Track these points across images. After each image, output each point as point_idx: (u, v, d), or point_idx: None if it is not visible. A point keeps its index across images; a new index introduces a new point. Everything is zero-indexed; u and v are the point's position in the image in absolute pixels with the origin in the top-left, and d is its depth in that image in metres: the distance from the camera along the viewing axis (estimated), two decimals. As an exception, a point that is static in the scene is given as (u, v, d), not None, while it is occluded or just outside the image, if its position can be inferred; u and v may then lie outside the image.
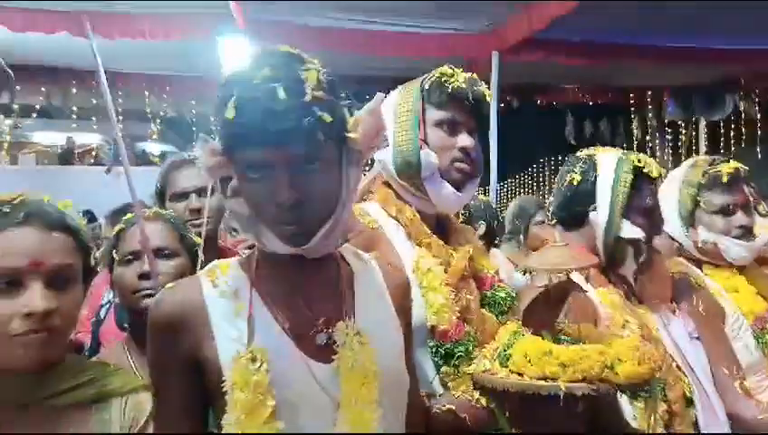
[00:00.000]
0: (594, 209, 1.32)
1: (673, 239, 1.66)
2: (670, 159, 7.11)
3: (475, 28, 4.76)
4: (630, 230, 1.29)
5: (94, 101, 5.60)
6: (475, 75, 1.20)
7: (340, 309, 0.85)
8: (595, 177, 1.34)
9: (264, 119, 0.74)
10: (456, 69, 1.21)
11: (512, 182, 9.47)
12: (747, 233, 1.56)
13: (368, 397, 0.79)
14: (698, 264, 1.63)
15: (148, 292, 1.25)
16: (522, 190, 9.12)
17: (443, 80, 1.17)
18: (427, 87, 1.19)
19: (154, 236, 1.30)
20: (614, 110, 6.76)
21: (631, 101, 6.54)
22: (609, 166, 1.34)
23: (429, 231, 1.17)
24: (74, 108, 6.13)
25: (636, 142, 7.09)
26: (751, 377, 1.46)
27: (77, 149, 8.61)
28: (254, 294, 0.84)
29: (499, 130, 4.79)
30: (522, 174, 9.24)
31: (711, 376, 1.42)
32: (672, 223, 1.60)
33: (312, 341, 0.82)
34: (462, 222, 2.79)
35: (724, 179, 1.55)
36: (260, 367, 0.77)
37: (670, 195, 1.63)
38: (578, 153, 1.45)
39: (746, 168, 1.64)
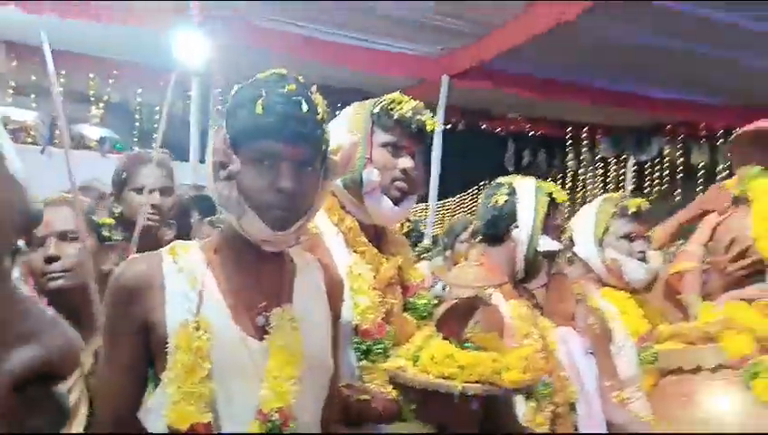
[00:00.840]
0: (517, 227, 1.51)
1: (583, 262, 1.90)
2: (599, 192, 7.56)
3: (429, 51, 4.97)
4: (549, 244, 1.49)
5: (34, 78, 5.44)
6: (421, 104, 1.34)
7: (280, 297, 0.98)
8: (516, 199, 1.54)
9: (288, 121, 0.92)
10: (404, 97, 1.35)
11: (452, 202, 9.75)
12: (644, 259, 1.83)
13: (290, 374, 0.92)
14: (598, 286, 1.86)
15: (54, 275, 1.31)
16: (461, 210, 9.42)
17: (391, 106, 1.31)
18: (376, 111, 1.32)
19: (59, 219, 1.35)
20: (552, 142, 7.14)
21: (568, 135, 6.94)
22: (528, 191, 1.55)
23: (366, 240, 1.29)
24: (12, 83, 5.91)
25: (570, 173, 7.51)
26: (628, 389, 1.69)
27: (11, 125, 8.23)
28: (209, 273, 0.96)
29: (444, 151, 5.02)
30: (463, 194, 9.54)
31: (595, 385, 1.63)
32: (586, 246, 1.86)
33: (252, 320, 0.95)
34: (405, 232, 2.94)
35: (631, 211, 1.83)
36: (202, 335, 0.89)
37: (586, 223, 1.88)
38: (497, 180, 1.65)
39: (648, 205, 1.92)
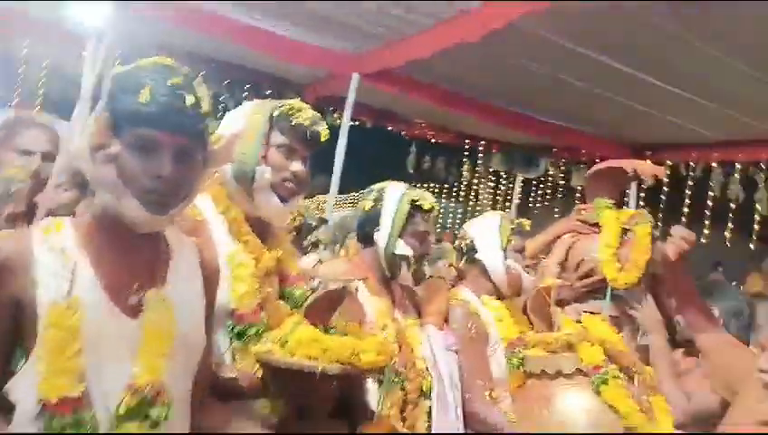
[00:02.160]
0: (378, 230, 1.68)
1: (480, 268, 2.13)
2: (490, 203, 8.06)
3: (342, 47, 5.07)
4: (402, 248, 1.66)
5: None
6: (318, 115, 1.45)
7: (155, 278, 1.04)
8: (381, 205, 1.71)
9: (172, 113, 0.97)
10: (303, 105, 1.45)
11: (355, 196, 9.92)
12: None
13: (162, 351, 0.99)
14: (478, 294, 2.09)
15: None
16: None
17: (290, 112, 1.41)
18: (276, 114, 1.42)
19: None
20: (451, 150, 7.50)
21: (466, 146, 7.33)
22: (393, 198, 1.73)
23: (249, 231, 1.39)
24: None
25: (464, 183, 7.94)
26: (498, 389, 1.90)
27: None
28: (83, 252, 0.99)
29: (350, 146, 5.16)
30: (363, 191, 9.72)
31: (457, 382, 1.82)
32: (491, 254, 2.10)
33: (126, 300, 1.00)
34: (297, 226, 3.03)
35: (527, 229, 2.16)
36: (74, 314, 0.93)
37: (491, 235, 2.13)
38: (372, 186, 1.83)
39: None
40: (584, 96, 5.10)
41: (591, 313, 2.11)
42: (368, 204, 1.73)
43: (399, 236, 1.69)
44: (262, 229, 1.44)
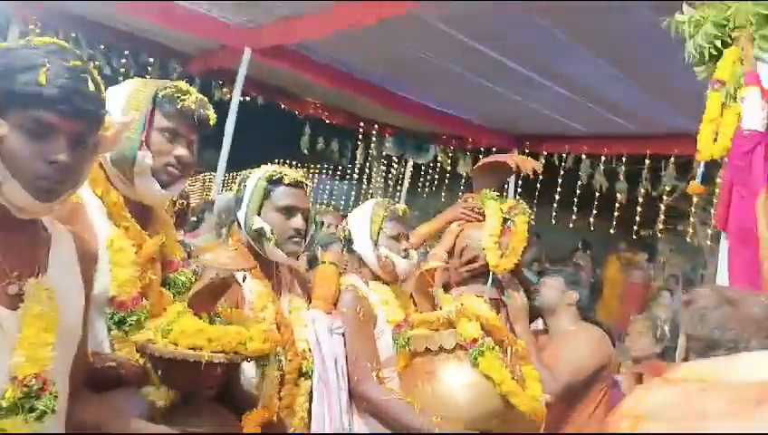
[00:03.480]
0: (240, 210, 1.69)
1: (358, 257, 2.13)
2: (381, 186, 8.21)
3: (237, 21, 4.88)
4: (258, 222, 1.67)
5: None
6: (205, 99, 1.40)
7: (34, 266, 0.98)
8: (244, 187, 1.71)
9: (74, 97, 0.92)
10: (190, 88, 1.39)
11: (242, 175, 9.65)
12: (407, 256, 2.13)
13: (46, 341, 0.94)
14: (366, 279, 2.11)
15: None
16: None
17: (176, 96, 1.35)
18: (160, 96, 1.35)
19: None
20: (346, 133, 7.53)
21: (360, 129, 7.39)
22: (253, 177, 1.74)
23: (129, 216, 1.32)
24: None
25: (357, 166, 8.01)
26: (385, 369, 1.95)
27: None
28: None
29: (241, 122, 5.00)
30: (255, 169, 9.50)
31: (343, 365, 1.87)
32: (363, 244, 2.09)
33: (5, 290, 0.94)
34: (180, 209, 2.91)
35: (399, 215, 2.13)
36: None
37: (362, 224, 2.12)
38: (241, 172, 1.83)
39: (409, 211, 2.23)
40: (472, 88, 5.33)
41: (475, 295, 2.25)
42: (235, 190, 1.75)
43: (258, 214, 1.69)
44: (143, 214, 1.38)
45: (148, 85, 1.37)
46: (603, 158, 6.42)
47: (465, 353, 1.80)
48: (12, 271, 0.96)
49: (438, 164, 7.79)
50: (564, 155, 6.69)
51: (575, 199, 6.71)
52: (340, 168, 8.35)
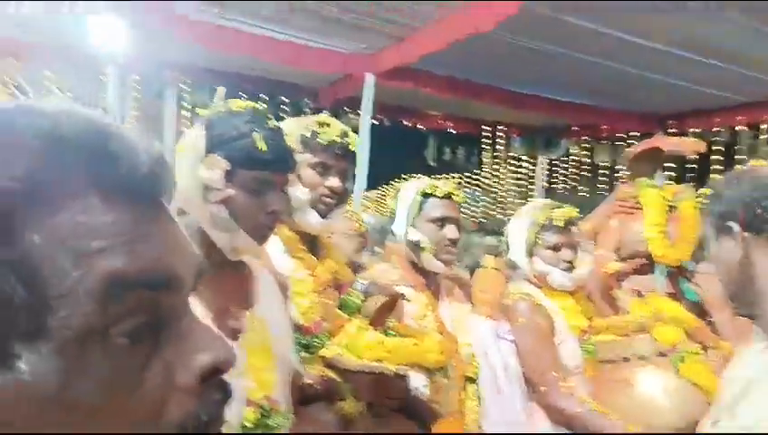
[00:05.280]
0: (396, 225, 1.78)
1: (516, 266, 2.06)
2: (513, 187, 8.03)
3: (353, 49, 5.11)
4: (414, 234, 1.71)
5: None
6: (346, 127, 1.49)
7: (247, 302, 1.12)
8: (397, 202, 1.81)
9: (281, 154, 1.09)
10: (330, 119, 1.50)
11: (377, 193, 9.97)
12: (571, 266, 1.98)
13: (267, 366, 1.06)
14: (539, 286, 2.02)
15: None
16: (384, 202, 9.64)
17: (319, 130, 1.46)
18: (304, 134, 1.46)
19: None
20: (470, 139, 7.50)
21: (485, 133, 7.32)
22: (406, 191, 1.78)
23: (302, 247, 1.44)
24: None
25: (487, 170, 7.93)
26: (571, 378, 1.84)
27: None
28: None
29: (371, 145, 5.20)
30: (387, 187, 9.77)
31: (516, 373, 1.84)
32: (517, 252, 2.01)
33: (226, 324, 1.08)
34: (362, 232, 3.09)
35: (560, 224, 1.98)
36: None
37: (519, 230, 2.03)
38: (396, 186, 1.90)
39: (578, 213, 2.08)
40: (601, 73, 5.06)
41: (639, 292, 2.12)
42: (390, 204, 1.83)
43: (413, 226, 1.75)
44: (312, 243, 1.49)
45: (292, 126, 1.49)
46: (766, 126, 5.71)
47: (662, 359, 1.69)
48: (230, 307, 1.09)
49: (572, 157, 7.46)
50: (717, 129, 6.06)
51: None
52: (467, 175, 8.30)
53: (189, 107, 5.79)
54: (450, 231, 1.76)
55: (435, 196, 1.78)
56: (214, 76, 5.80)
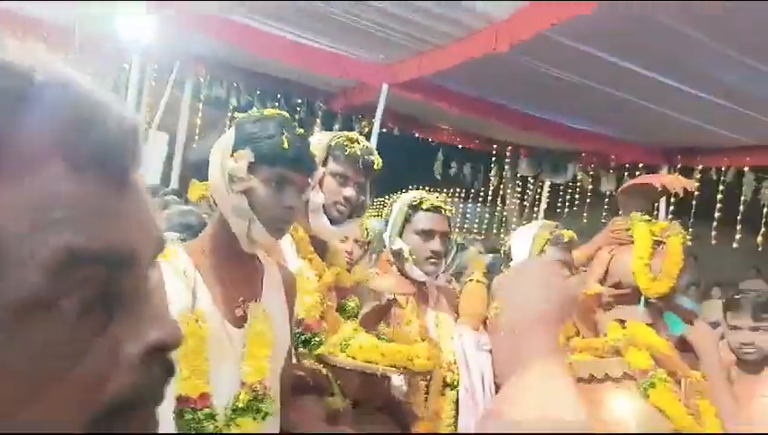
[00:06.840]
0: (386, 233, 1.86)
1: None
2: (516, 208, 8.10)
3: (371, 58, 5.20)
4: (398, 244, 1.78)
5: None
6: (372, 146, 1.60)
7: (254, 292, 1.20)
8: (390, 212, 1.90)
9: (304, 156, 1.20)
10: (358, 136, 1.60)
11: (381, 202, 10.03)
12: None
13: (265, 354, 1.15)
14: None
15: None
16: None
17: (345, 144, 1.56)
18: (332, 144, 1.57)
19: None
20: (478, 156, 7.58)
21: (493, 152, 7.40)
22: (397, 203, 1.88)
23: (312, 249, 1.53)
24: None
25: (491, 188, 8.00)
26: None
27: None
28: (198, 274, 1.16)
29: (379, 153, 5.28)
30: (391, 196, 9.83)
31: (489, 378, 1.91)
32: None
33: (232, 312, 1.16)
34: (368, 241, 3.17)
35: (565, 241, 2.10)
36: (202, 325, 1.10)
37: (524, 244, 2.13)
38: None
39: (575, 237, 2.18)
40: (612, 102, 5.14)
41: (621, 320, 2.17)
42: (385, 213, 1.91)
43: (400, 236, 1.83)
44: (322, 247, 1.58)
45: (327, 135, 1.59)
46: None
47: (633, 383, 1.73)
48: (239, 296, 1.17)
49: (578, 183, 7.52)
50: (723, 169, 6.11)
51: (738, 217, 6.03)
52: (472, 191, 8.37)
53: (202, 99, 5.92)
54: (434, 244, 1.83)
55: (422, 208, 1.85)
56: (232, 72, 5.91)
